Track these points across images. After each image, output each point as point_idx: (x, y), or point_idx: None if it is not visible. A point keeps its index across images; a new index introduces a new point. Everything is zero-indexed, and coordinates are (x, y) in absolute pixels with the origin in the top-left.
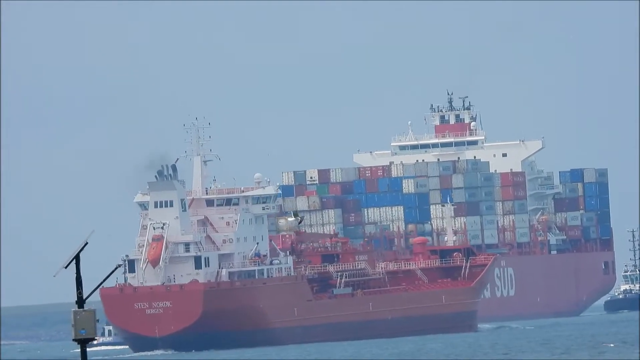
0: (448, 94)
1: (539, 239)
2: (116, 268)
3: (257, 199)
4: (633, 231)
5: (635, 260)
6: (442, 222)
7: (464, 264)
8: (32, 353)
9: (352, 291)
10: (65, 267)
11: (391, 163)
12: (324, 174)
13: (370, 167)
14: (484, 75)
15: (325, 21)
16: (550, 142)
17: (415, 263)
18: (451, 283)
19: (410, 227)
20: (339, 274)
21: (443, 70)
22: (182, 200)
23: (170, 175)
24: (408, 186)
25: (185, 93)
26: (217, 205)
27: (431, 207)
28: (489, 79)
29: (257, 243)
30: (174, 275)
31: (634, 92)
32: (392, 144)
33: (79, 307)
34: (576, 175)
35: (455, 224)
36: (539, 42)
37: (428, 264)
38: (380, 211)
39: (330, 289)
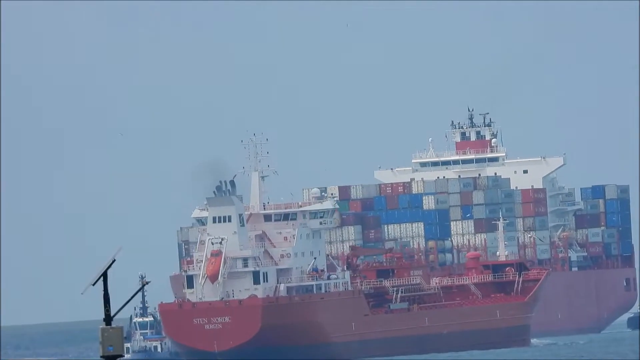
0: (469, 110)
1: (560, 255)
2: (145, 284)
3: (315, 214)
4: None
5: None
6: (463, 239)
7: (517, 279)
8: None
9: (409, 306)
10: (93, 285)
11: (412, 179)
12: (344, 190)
13: (391, 183)
14: (505, 91)
15: (348, 37)
16: (572, 158)
17: (468, 278)
18: (504, 298)
19: (431, 243)
20: (395, 289)
21: (464, 87)
22: (240, 215)
23: (229, 190)
24: (428, 202)
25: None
26: (275, 220)
27: (452, 223)
28: (510, 95)
29: (315, 258)
30: (233, 291)
31: None
32: (413, 161)
33: (106, 324)
34: (598, 191)
35: (475, 241)
36: (560, 59)
37: (481, 279)
38: (400, 227)
39: (387, 304)
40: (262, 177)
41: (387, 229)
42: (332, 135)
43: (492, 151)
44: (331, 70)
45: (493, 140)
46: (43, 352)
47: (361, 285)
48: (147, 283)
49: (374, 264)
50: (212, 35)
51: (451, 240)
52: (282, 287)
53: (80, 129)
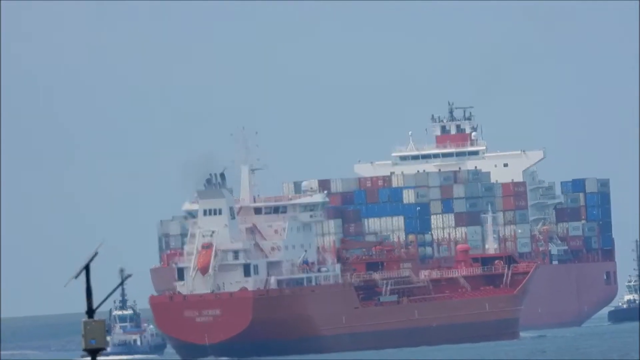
0: (449, 104)
1: (541, 249)
2: (126, 278)
3: (305, 207)
4: (637, 241)
5: (638, 270)
6: (443, 232)
7: (506, 272)
8: None
9: (398, 299)
10: (76, 278)
11: (392, 173)
12: (324, 184)
13: (371, 177)
14: (484, 85)
15: (328, 30)
16: (552, 152)
17: (458, 271)
18: (493, 290)
19: (411, 237)
20: (385, 281)
21: (444, 81)
22: (231, 208)
23: (219, 183)
24: (409, 196)
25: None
26: (265, 213)
27: (432, 217)
28: (490, 89)
29: (305, 251)
30: (223, 283)
31: (635, 102)
32: (392, 154)
33: (89, 318)
34: (578, 185)
35: (455, 234)
36: (540, 53)
37: (470, 272)
38: (380, 221)
39: (376, 297)
40: (252, 170)
41: (367, 222)
42: (312, 128)
43: (472, 145)
44: (311, 64)
45: (473, 133)
46: (25, 344)
47: (351, 278)
48: (129, 276)
49: (364, 257)
50: (200, 29)
51: (431, 234)
52: (272, 279)
53: (68, 123)
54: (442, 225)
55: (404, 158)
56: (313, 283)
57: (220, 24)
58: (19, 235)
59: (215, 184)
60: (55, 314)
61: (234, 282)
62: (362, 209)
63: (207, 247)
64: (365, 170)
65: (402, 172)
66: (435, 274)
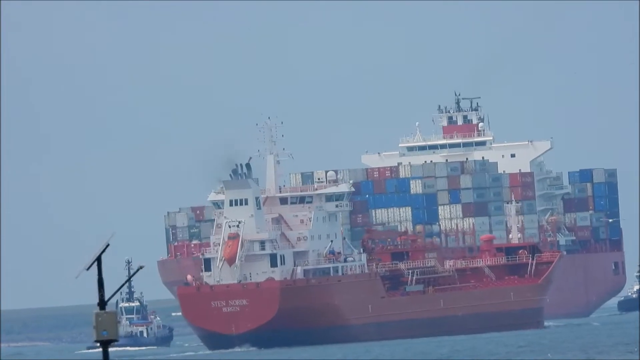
0: (456, 95)
1: (548, 239)
2: (138, 269)
3: (331, 197)
4: None
5: None
6: (451, 223)
7: (530, 261)
8: (27, 354)
9: (424, 288)
10: (87, 269)
11: (399, 164)
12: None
13: (378, 168)
14: (491, 76)
15: (335, 22)
16: (559, 142)
17: (482, 260)
18: (518, 280)
19: (418, 227)
20: (410, 271)
21: (451, 71)
22: (257, 198)
23: (245, 173)
24: (416, 187)
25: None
26: (291, 203)
27: (439, 207)
28: (497, 79)
29: (332, 240)
30: (250, 274)
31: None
32: (400, 145)
33: (100, 309)
34: (585, 175)
35: (463, 225)
36: (547, 43)
37: (495, 262)
38: (388, 212)
39: (402, 286)
40: (278, 161)
41: (375, 213)
42: (319, 119)
43: (479, 135)
44: (319, 55)
45: (480, 124)
46: (37, 336)
47: (377, 267)
48: (141, 267)
49: (389, 247)
50: (219, 24)
51: (439, 225)
52: (299, 269)
53: (88, 114)
54: (449, 216)
55: (411, 149)
56: (339, 273)
57: (233, 16)
58: (30, 227)
59: (241, 174)
60: (67, 306)
61: (261, 272)
62: (370, 200)
63: (234, 237)
64: (373, 160)
65: (409, 163)
66: (460, 264)
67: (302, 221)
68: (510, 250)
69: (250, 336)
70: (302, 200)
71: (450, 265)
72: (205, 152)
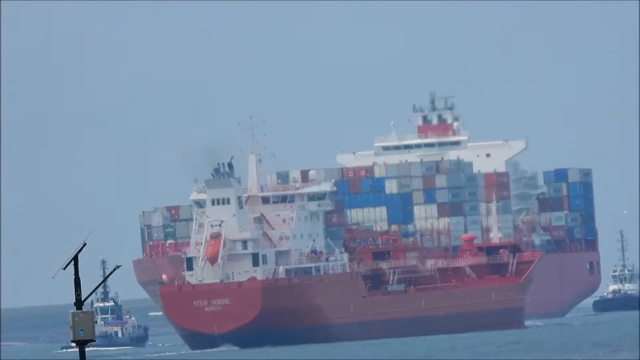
0: (430, 94)
1: (523, 239)
2: (115, 269)
3: (313, 196)
4: (621, 231)
5: (623, 260)
6: (426, 223)
7: (511, 261)
8: (4, 354)
9: (405, 288)
10: (64, 269)
11: (374, 163)
12: (306, 174)
13: (353, 167)
14: (466, 76)
15: (310, 22)
16: (534, 142)
17: (463, 260)
18: (499, 279)
19: (394, 227)
20: (392, 270)
21: (426, 71)
22: (239, 197)
23: (227, 173)
24: (391, 187)
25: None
26: (273, 202)
27: (414, 207)
28: (472, 79)
29: (313, 240)
30: (232, 273)
31: (616, 92)
32: (375, 145)
33: (77, 309)
34: (560, 175)
35: (438, 224)
36: (522, 43)
37: (476, 261)
38: (363, 212)
39: (383, 286)
40: (260, 160)
41: (350, 213)
42: (294, 119)
43: (454, 135)
44: (294, 56)
45: (455, 123)
46: (13, 336)
47: (358, 267)
48: (118, 267)
49: (371, 247)
50: (199, 19)
51: (414, 224)
52: (281, 269)
53: (69, 111)
54: (424, 216)
55: (386, 148)
56: (321, 272)
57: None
58: (4, 226)
59: (223, 173)
60: (43, 306)
61: (243, 271)
62: (345, 199)
63: (216, 236)
64: (348, 160)
65: (384, 163)
66: (441, 264)
67: (284, 220)
68: (491, 250)
69: (233, 336)
70: (284, 199)
71: (432, 265)
72: (186, 151)
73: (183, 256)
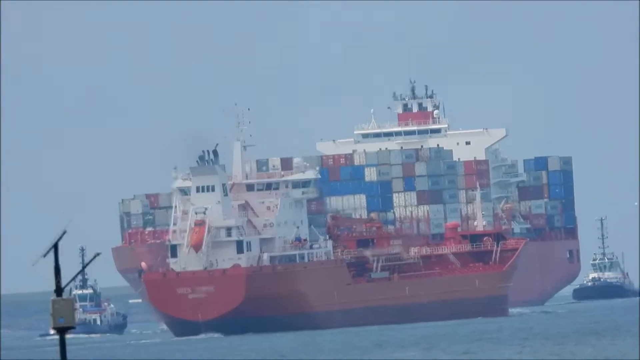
0: (411, 82)
1: (503, 227)
2: (95, 256)
3: (297, 184)
4: (602, 219)
5: (603, 248)
6: (405, 210)
7: (495, 249)
8: None
9: (389, 275)
10: (44, 256)
11: (354, 151)
12: (286, 162)
13: (333, 155)
14: (447, 63)
15: (292, 9)
16: (514, 130)
17: (447, 247)
18: (483, 267)
19: (373, 215)
20: (376, 258)
21: (406, 59)
22: (223, 185)
23: (212, 160)
24: (370, 174)
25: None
26: (258, 189)
27: (394, 195)
28: (452, 67)
29: (298, 227)
30: (217, 260)
31: (596, 80)
32: (355, 132)
33: (57, 296)
34: (540, 163)
35: (418, 212)
36: (502, 31)
37: (460, 249)
38: (342, 199)
39: (367, 273)
40: (244, 147)
41: (329, 201)
42: (274, 106)
43: (434, 122)
44: (273, 43)
45: (435, 111)
46: None
47: (342, 254)
48: (98, 254)
49: (355, 234)
50: (184, 10)
51: (393, 212)
52: (265, 256)
53: (52, 99)
54: (404, 204)
55: (366, 136)
56: (305, 260)
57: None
58: None
59: (208, 160)
60: (24, 293)
61: (227, 258)
62: (324, 187)
63: (200, 224)
64: (328, 148)
65: (364, 150)
66: (425, 251)
67: (268, 208)
68: (475, 238)
69: (217, 323)
70: (268, 186)
71: (415, 252)
72: (171, 138)
73: (167, 243)
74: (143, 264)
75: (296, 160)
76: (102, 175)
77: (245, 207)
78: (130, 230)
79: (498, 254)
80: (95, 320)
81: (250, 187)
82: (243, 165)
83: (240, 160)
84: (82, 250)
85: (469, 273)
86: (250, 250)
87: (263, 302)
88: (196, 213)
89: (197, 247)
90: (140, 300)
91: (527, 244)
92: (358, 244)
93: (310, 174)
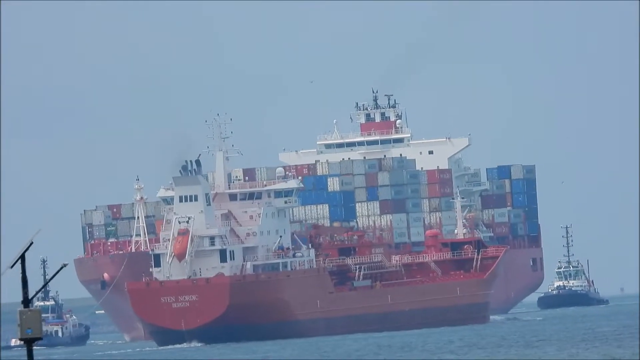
0: (373, 92)
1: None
2: (62, 267)
3: (280, 193)
4: (567, 227)
5: (569, 256)
6: (368, 220)
7: (476, 256)
8: None
9: (371, 283)
10: (11, 267)
11: (316, 161)
12: (249, 173)
13: (296, 165)
14: (409, 73)
15: (257, 17)
16: (477, 139)
17: (428, 256)
18: (464, 275)
19: (336, 224)
20: (358, 266)
21: (368, 69)
22: (206, 194)
23: (195, 170)
24: (333, 184)
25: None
26: (240, 199)
27: (357, 205)
28: (414, 77)
29: (280, 236)
30: (200, 269)
31: (558, 88)
32: (318, 143)
33: (24, 307)
34: (503, 171)
35: (381, 222)
36: (463, 40)
37: (441, 257)
38: (305, 209)
39: (350, 282)
40: (227, 157)
41: (292, 210)
42: (236, 117)
43: (397, 132)
44: (236, 51)
45: (398, 121)
46: None
47: (324, 263)
48: (64, 265)
49: (336, 243)
50: (165, 14)
51: (357, 222)
52: (248, 265)
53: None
54: (367, 213)
55: (329, 146)
56: (288, 268)
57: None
58: None
59: (191, 170)
60: None
61: (210, 267)
62: None
63: (184, 233)
64: (290, 158)
65: (326, 160)
66: (407, 259)
67: (251, 217)
68: (455, 246)
69: (200, 332)
70: (251, 196)
71: (397, 261)
72: (162, 141)
73: (150, 252)
74: (105, 275)
75: (279, 170)
76: (65, 186)
77: (228, 216)
78: (92, 242)
79: (479, 262)
80: (56, 332)
81: (233, 197)
82: (225, 174)
83: (223, 170)
84: (44, 261)
85: (450, 281)
86: (234, 259)
87: (246, 310)
88: (179, 222)
89: (180, 256)
90: (104, 312)
91: (507, 251)
92: (340, 252)
93: (293, 184)
